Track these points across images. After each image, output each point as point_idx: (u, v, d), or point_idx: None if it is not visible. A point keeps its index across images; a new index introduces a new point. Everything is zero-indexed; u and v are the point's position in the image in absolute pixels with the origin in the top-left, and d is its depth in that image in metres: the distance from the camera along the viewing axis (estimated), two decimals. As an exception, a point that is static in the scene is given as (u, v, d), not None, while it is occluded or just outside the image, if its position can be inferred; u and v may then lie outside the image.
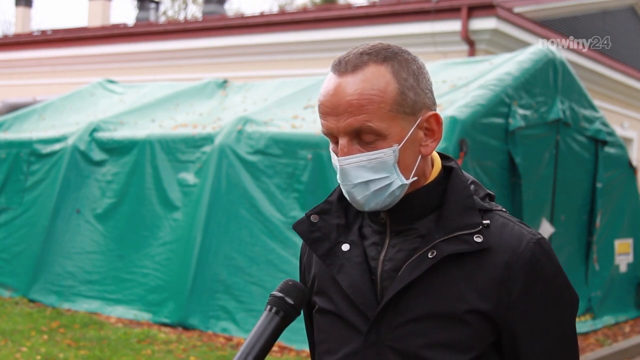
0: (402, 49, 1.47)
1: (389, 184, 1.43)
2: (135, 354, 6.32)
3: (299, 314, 1.55)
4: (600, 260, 8.59)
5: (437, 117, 1.47)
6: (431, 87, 1.49)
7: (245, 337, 6.74)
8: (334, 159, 1.46)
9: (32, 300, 8.11)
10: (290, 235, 6.98)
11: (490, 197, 1.55)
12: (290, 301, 1.52)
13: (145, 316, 7.43)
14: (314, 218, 1.57)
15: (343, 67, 1.43)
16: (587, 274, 8.35)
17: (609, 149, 8.70)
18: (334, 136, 1.45)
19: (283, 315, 1.51)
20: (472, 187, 1.53)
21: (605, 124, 8.65)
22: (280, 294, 1.53)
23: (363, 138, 1.42)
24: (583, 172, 8.34)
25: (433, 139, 1.47)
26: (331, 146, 1.48)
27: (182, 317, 7.17)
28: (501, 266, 1.42)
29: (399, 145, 1.42)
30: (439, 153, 1.57)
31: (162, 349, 6.49)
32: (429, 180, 1.50)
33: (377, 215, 1.51)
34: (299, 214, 6.98)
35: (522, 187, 7.11)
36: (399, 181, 1.44)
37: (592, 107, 8.55)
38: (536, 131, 7.47)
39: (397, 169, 1.43)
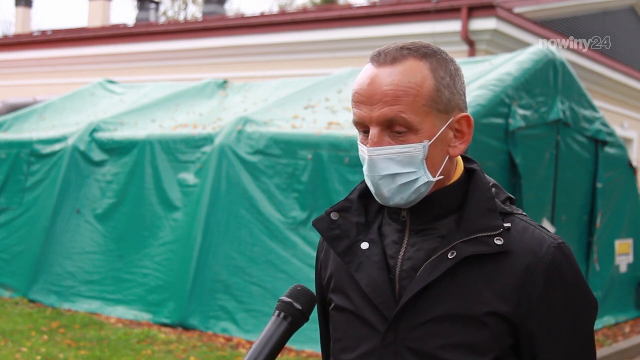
0: (441, 49, 1.48)
1: (416, 180, 1.43)
2: (135, 354, 6.32)
3: (307, 319, 1.54)
4: (600, 261, 8.59)
5: (468, 119, 1.48)
6: (465, 90, 1.50)
7: (245, 338, 6.76)
8: (362, 150, 1.46)
9: (32, 301, 8.11)
10: (290, 235, 6.98)
11: (511, 201, 1.57)
12: (298, 306, 1.51)
13: (145, 316, 7.43)
14: (333, 215, 1.56)
15: (382, 59, 1.44)
16: (587, 274, 8.35)
17: (609, 149, 8.69)
18: (364, 126, 1.45)
19: (291, 321, 1.51)
20: (493, 190, 1.53)
21: (605, 124, 8.65)
22: (289, 299, 1.52)
23: (394, 130, 1.42)
24: (583, 172, 8.33)
25: (462, 140, 1.48)
26: (359, 137, 1.48)
27: (182, 317, 7.16)
28: (521, 269, 1.42)
29: (430, 141, 1.42)
30: (461, 155, 1.57)
31: (162, 349, 6.49)
32: (451, 181, 1.50)
33: (397, 214, 1.51)
34: (299, 214, 6.98)
35: (522, 188, 7.11)
36: (425, 177, 1.44)
37: (592, 107, 8.55)
38: (536, 131, 7.47)
39: (425, 165, 1.43)
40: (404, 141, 1.42)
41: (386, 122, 1.41)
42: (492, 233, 1.44)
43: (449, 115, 1.45)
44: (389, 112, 1.40)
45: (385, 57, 1.43)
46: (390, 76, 1.41)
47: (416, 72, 1.42)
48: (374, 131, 1.43)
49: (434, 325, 1.43)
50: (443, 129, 1.44)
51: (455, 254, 1.43)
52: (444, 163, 1.46)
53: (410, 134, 1.41)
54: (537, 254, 1.43)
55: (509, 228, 1.46)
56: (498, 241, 1.43)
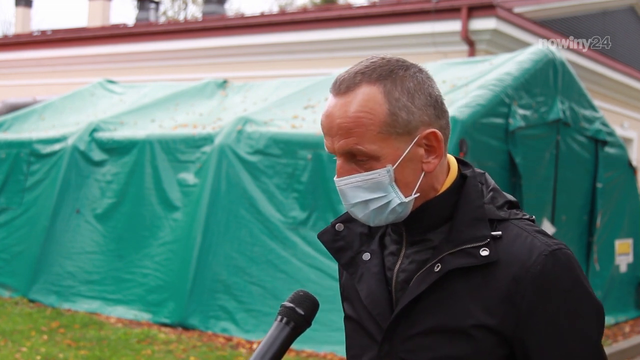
0: (402, 65, 1.43)
1: (388, 203, 1.43)
2: (135, 354, 6.32)
3: (310, 324, 1.54)
4: (600, 261, 8.59)
5: (435, 135, 1.43)
6: (435, 102, 1.44)
7: (245, 337, 6.76)
8: None
9: (32, 300, 8.11)
10: (290, 235, 6.98)
11: (511, 205, 1.52)
12: (300, 312, 1.52)
13: (145, 316, 7.43)
14: (338, 227, 1.58)
15: (337, 88, 1.43)
16: (587, 274, 8.35)
17: (609, 149, 8.70)
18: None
19: (293, 326, 1.51)
20: (490, 194, 1.50)
21: (605, 124, 8.65)
22: (291, 305, 1.52)
23: (357, 159, 1.42)
24: (583, 172, 8.34)
25: (435, 155, 1.44)
26: None
27: (182, 317, 7.16)
28: (508, 280, 1.39)
29: (394, 165, 1.41)
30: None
31: (162, 349, 6.49)
32: (442, 190, 1.48)
33: (397, 225, 1.50)
34: (298, 214, 6.99)
35: (522, 188, 7.11)
36: (397, 199, 1.43)
37: (592, 107, 8.55)
38: (536, 131, 7.47)
39: (395, 187, 1.42)
40: (368, 168, 1.42)
41: (346, 153, 1.42)
42: (478, 244, 1.41)
43: (412, 135, 1.41)
44: (345, 144, 1.41)
45: (339, 87, 1.42)
46: (342, 107, 1.40)
47: (368, 99, 1.39)
48: (339, 162, 1.44)
49: (424, 337, 1.43)
50: (408, 150, 1.41)
51: (440, 267, 1.41)
52: (419, 180, 1.44)
53: (372, 161, 1.41)
54: (524, 264, 1.38)
55: (500, 236, 1.42)
56: (484, 252, 1.40)
